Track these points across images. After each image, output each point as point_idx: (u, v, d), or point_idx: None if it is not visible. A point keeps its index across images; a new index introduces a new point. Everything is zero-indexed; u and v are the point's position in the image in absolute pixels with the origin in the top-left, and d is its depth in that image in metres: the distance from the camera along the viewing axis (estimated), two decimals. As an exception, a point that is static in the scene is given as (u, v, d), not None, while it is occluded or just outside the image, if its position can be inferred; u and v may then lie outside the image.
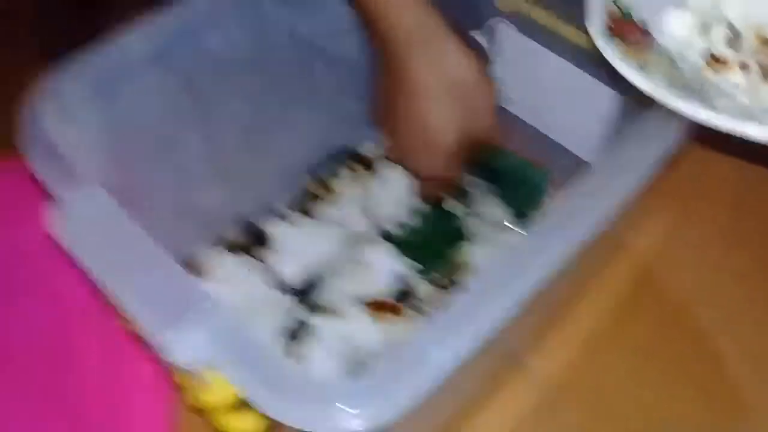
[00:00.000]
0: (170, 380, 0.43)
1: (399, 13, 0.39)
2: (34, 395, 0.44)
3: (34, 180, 0.33)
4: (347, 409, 0.26)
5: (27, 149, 0.33)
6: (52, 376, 0.45)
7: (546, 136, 0.55)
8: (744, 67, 0.35)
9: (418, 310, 0.49)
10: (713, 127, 0.30)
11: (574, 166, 0.52)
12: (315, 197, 0.53)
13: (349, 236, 0.51)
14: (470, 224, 0.52)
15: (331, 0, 0.46)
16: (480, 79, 0.40)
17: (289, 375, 0.27)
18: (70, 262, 0.31)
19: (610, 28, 0.36)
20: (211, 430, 0.33)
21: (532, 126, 0.56)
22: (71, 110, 0.36)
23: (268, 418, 0.28)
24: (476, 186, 0.54)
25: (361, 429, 0.26)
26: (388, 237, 0.52)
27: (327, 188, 0.54)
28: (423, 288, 0.50)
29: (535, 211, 0.53)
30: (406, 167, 0.45)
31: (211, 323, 0.29)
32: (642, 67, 0.33)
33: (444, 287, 0.50)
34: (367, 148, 0.56)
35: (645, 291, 0.51)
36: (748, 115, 0.32)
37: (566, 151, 0.54)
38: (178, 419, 0.44)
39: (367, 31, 0.41)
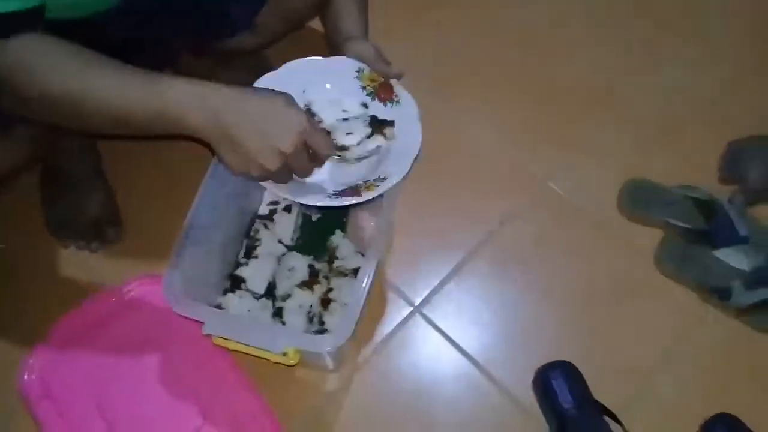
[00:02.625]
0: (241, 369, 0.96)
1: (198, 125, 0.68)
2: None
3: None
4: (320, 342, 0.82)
5: (177, 310, 0.83)
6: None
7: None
8: None
9: (324, 277, 1.03)
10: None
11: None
12: (253, 247, 1.05)
13: (277, 257, 1.04)
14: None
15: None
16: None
17: (305, 337, 0.82)
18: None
19: None
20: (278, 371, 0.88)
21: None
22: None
23: (300, 353, 0.82)
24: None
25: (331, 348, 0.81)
26: (293, 248, 1.06)
27: (256, 239, 1.06)
28: (320, 266, 1.04)
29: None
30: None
31: (283, 338, 0.82)
32: None
33: (329, 262, 1.04)
34: (263, 210, 1.07)
35: None
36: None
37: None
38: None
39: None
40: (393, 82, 0.87)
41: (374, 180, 0.81)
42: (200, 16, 0.93)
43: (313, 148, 0.74)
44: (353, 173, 0.83)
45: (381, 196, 0.80)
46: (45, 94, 0.66)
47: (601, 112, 1.24)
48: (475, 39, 1.34)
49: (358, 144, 0.84)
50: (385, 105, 0.87)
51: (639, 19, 1.36)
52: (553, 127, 1.23)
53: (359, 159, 0.84)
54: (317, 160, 0.77)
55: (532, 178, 1.17)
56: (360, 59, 0.87)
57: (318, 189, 0.81)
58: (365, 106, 0.88)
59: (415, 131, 0.83)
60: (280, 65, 0.89)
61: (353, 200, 0.78)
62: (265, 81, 0.86)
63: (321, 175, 0.82)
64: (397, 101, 0.87)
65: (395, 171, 0.81)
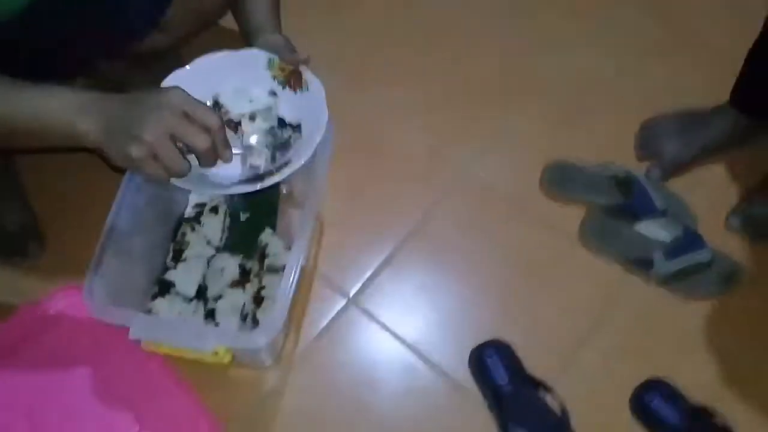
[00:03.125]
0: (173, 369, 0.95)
1: (70, 129, 0.67)
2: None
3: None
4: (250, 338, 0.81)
5: (99, 316, 0.82)
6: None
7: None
8: None
9: (255, 276, 1.03)
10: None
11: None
12: (181, 250, 1.04)
13: (206, 258, 1.04)
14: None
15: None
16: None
17: (233, 335, 0.82)
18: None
19: None
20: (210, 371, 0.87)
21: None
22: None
23: (233, 351, 0.82)
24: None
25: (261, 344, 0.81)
26: (222, 248, 1.05)
27: (183, 242, 1.04)
28: (250, 264, 1.04)
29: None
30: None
31: (212, 337, 0.81)
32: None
33: (259, 260, 1.04)
34: (189, 213, 1.06)
35: None
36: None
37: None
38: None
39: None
40: (303, 69, 0.88)
41: (278, 166, 0.81)
42: (103, 18, 0.91)
43: (185, 142, 0.71)
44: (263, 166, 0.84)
45: (280, 183, 0.82)
46: None
47: (520, 98, 1.27)
48: (392, 33, 1.36)
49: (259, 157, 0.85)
50: (296, 92, 0.88)
51: (546, 7, 1.40)
52: (472, 115, 1.25)
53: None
54: (195, 152, 0.74)
55: (455, 166, 1.20)
56: (270, 50, 0.88)
57: (224, 180, 0.82)
58: (274, 94, 0.89)
59: (321, 116, 0.85)
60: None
61: (252, 187, 0.79)
62: (175, 76, 0.86)
63: (233, 167, 0.82)
64: (306, 88, 0.88)
65: (297, 156, 0.82)
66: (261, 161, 0.83)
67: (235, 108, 0.86)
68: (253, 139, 0.85)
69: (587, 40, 1.35)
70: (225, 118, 0.86)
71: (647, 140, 1.20)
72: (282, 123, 0.88)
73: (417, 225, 1.14)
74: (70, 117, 0.68)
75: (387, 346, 1.04)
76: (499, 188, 1.17)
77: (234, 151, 0.77)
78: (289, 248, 1.04)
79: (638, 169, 1.16)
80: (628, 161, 1.17)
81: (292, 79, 0.88)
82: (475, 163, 1.20)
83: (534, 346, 1.02)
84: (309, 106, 0.87)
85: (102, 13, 0.90)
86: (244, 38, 0.93)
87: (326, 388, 1.01)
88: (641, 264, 1.08)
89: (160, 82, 0.94)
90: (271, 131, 0.86)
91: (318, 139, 0.82)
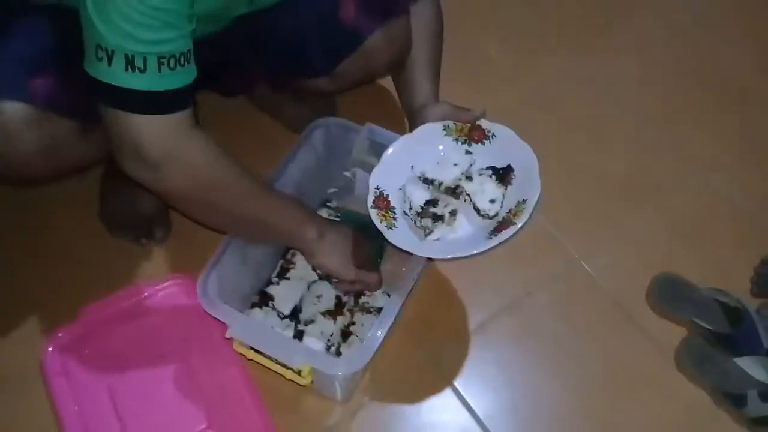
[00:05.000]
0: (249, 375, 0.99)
1: (302, 232, 0.90)
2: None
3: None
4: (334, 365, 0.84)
5: (207, 308, 0.87)
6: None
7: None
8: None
9: (348, 310, 1.06)
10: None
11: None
12: (287, 269, 1.09)
13: (308, 282, 1.08)
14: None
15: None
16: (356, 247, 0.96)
17: (321, 357, 0.85)
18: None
19: (374, 203, 0.91)
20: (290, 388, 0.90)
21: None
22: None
23: (313, 374, 0.85)
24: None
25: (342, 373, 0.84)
26: (324, 277, 1.09)
27: (291, 261, 1.09)
28: (346, 298, 1.07)
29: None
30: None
31: (303, 356, 0.85)
32: (389, 227, 0.89)
33: (356, 297, 1.07)
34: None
35: None
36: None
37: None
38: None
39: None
40: (480, 122, 0.94)
41: (515, 206, 0.87)
42: (287, 58, 1.01)
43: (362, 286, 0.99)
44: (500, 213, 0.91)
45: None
46: (198, 202, 0.82)
47: (645, 204, 1.27)
48: (534, 118, 1.37)
49: (494, 201, 0.91)
50: (483, 143, 0.94)
51: (696, 128, 1.39)
52: (594, 208, 1.25)
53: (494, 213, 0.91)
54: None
55: (566, 254, 1.20)
56: (440, 119, 0.95)
57: (470, 238, 0.90)
58: (469, 152, 0.95)
59: (521, 149, 0.90)
60: (343, 110, 1.03)
61: (512, 230, 0.84)
62: (377, 173, 0.94)
63: (464, 230, 0.92)
64: (492, 134, 0.93)
65: (529, 190, 0.87)
66: (496, 209, 0.89)
67: (447, 177, 0.93)
68: (480, 194, 0.90)
69: (732, 167, 1.33)
70: (443, 188, 0.93)
71: (766, 278, 1.16)
72: (494, 169, 0.92)
73: (514, 302, 1.14)
74: (299, 221, 0.91)
75: (454, 412, 1.04)
76: (603, 288, 1.16)
77: (461, 215, 0.92)
78: (385, 293, 1.06)
79: (751, 302, 1.11)
80: (740, 292, 1.13)
81: (475, 134, 0.94)
82: (586, 255, 1.19)
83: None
84: (506, 148, 0.92)
85: (285, 54, 1.00)
86: (403, 103, 1.03)
87: (386, 436, 1.01)
88: (734, 400, 1.03)
89: (312, 116, 1.06)
90: (490, 181, 0.91)
91: (535, 167, 0.87)
